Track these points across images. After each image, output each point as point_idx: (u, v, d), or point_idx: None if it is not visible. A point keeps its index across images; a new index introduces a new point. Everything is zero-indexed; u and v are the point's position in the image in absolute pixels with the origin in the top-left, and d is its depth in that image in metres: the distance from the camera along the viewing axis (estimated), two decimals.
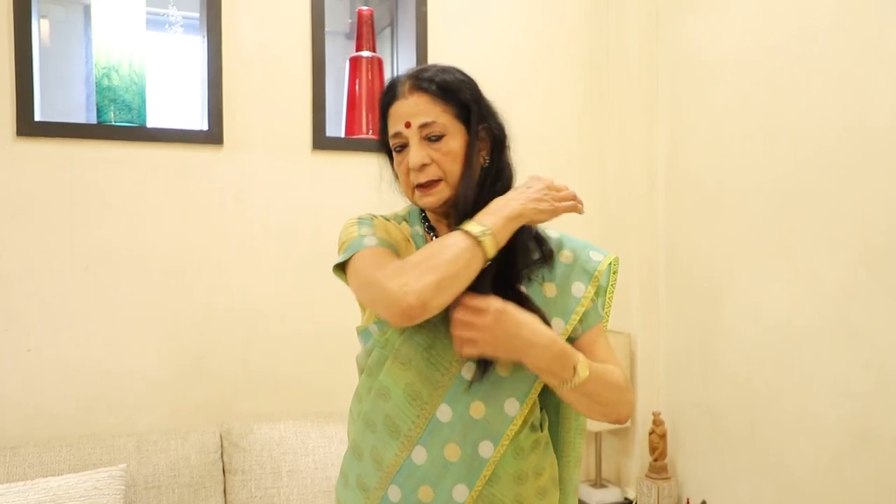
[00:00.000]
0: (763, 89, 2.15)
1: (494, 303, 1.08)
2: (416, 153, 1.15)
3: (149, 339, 2.12)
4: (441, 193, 1.17)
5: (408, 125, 1.16)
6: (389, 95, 1.19)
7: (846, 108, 1.90)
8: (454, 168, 1.16)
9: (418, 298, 1.03)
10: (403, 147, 1.18)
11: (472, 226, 1.09)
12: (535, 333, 1.09)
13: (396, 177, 1.25)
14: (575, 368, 1.11)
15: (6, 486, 1.72)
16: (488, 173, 1.20)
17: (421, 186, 1.18)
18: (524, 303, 1.15)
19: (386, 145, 1.24)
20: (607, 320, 1.28)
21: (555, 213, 1.15)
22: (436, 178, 1.16)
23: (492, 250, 1.08)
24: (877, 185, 1.83)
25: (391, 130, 1.19)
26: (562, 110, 2.65)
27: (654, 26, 2.56)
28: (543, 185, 1.17)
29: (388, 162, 1.26)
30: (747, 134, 2.20)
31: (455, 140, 1.16)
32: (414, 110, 1.15)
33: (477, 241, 1.07)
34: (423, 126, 1.15)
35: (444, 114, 1.16)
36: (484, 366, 1.15)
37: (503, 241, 1.10)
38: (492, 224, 1.09)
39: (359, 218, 1.25)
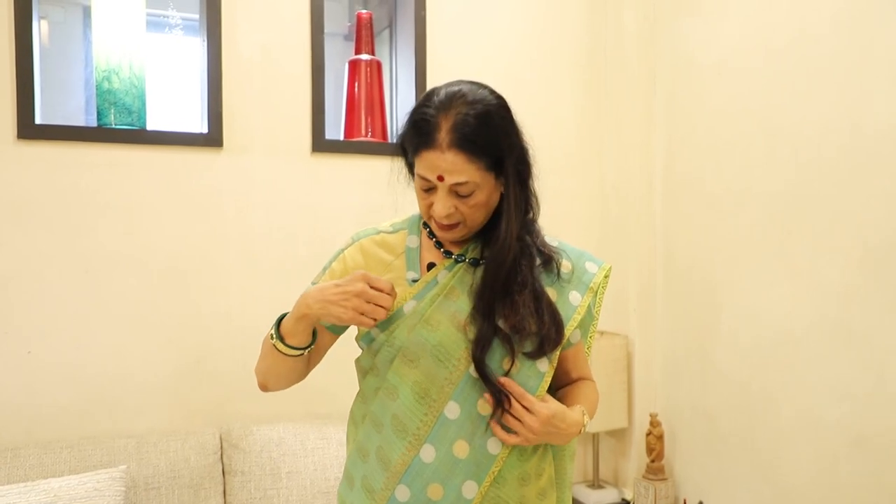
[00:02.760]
0: (761, 93, 2.16)
1: (546, 409, 1.17)
2: (444, 205, 1.16)
3: (148, 342, 2.13)
4: (459, 233, 1.22)
5: (440, 178, 1.15)
6: (425, 138, 1.14)
7: (844, 112, 1.91)
8: (477, 216, 1.20)
9: (261, 384, 1.32)
10: (430, 188, 1.18)
11: (272, 326, 1.23)
12: (568, 426, 1.20)
13: (410, 175, 1.27)
14: (582, 429, 1.25)
15: (7, 487, 1.73)
16: (514, 204, 1.21)
17: (439, 224, 1.21)
18: (541, 297, 1.20)
19: (403, 147, 1.24)
20: (597, 320, 1.34)
21: (348, 321, 1.15)
22: (456, 222, 1.20)
23: (285, 349, 1.21)
24: (875, 189, 1.84)
25: (420, 170, 1.17)
26: (560, 113, 2.66)
27: (651, 30, 2.58)
28: (355, 288, 1.13)
29: (403, 161, 1.27)
30: (745, 137, 2.21)
31: (482, 192, 1.18)
32: (450, 168, 1.13)
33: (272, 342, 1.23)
34: (456, 184, 1.15)
35: (478, 170, 1.15)
36: (487, 372, 1.18)
37: (298, 337, 1.20)
38: (284, 325, 1.21)
39: (339, 252, 1.31)
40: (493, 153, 1.15)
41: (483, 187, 1.17)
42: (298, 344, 1.21)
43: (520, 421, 1.16)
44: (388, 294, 1.15)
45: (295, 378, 1.30)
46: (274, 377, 1.29)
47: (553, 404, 1.19)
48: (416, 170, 1.18)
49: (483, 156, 1.14)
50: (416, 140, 1.16)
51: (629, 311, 2.58)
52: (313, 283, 1.30)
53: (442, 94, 1.17)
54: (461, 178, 1.14)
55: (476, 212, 1.19)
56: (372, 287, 1.14)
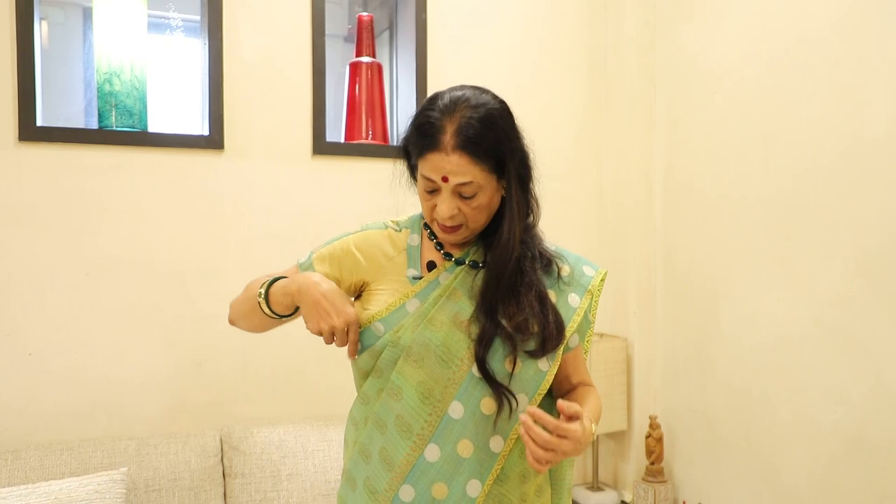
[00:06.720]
0: (760, 98, 2.17)
1: (576, 430, 1.11)
2: (448, 206, 1.19)
3: (149, 344, 2.13)
4: (461, 235, 1.24)
5: (445, 180, 1.17)
6: (430, 140, 1.16)
7: (842, 118, 1.92)
8: (479, 218, 1.22)
9: (230, 319, 1.40)
10: (434, 190, 1.20)
11: (265, 284, 1.28)
12: (587, 438, 1.16)
13: (412, 178, 1.30)
14: (592, 439, 1.20)
15: (8, 489, 1.73)
16: (516, 206, 1.22)
17: (442, 225, 1.23)
18: (546, 299, 1.23)
19: (406, 150, 1.26)
20: (594, 324, 1.35)
21: (309, 327, 1.21)
22: (459, 224, 1.22)
23: (266, 309, 1.28)
24: (872, 194, 1.85)
25: (424, 172, 1.19)
26: (560, 117, 2.67)
27: (651, 35, 2.58)
28: (334, 321, 1.19)
29: (406, 164, 1.29)
30: (744, 142, 2.22)
31: (485, 194, 1.20)
32: (454, 169, 1.15)
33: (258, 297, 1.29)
34: (460, 184, 1.17)
35: (482, 172, 1.17)
36: (489, 370, 1.19)
37: (280, 306, 1.26)
38: (274, 289, 1.27)
39: (345, 235, 1.34)
40: (496, 156, 1.18)
41: (486, 189, 1.19)
42: (279, 311, 1.28)
43: (553, 451, 1.11)
44: (349, 345, 1.22)
45: (262, 330, 1.37)
46: (246, 322, 1.36)
47: (577, 423, 1.14)
48: (421, 171, 1.20)
49: (486, 158, 1.16)
50: (420, 143, 1.18)
51: (629, 314, 2.59)
52: (312, 252, 1.33)
53: (446, 98, 1.19)
54: (465, 179, 1.16)
55: (478, 214, 1.21)
56: (346, 333, 1.21)
